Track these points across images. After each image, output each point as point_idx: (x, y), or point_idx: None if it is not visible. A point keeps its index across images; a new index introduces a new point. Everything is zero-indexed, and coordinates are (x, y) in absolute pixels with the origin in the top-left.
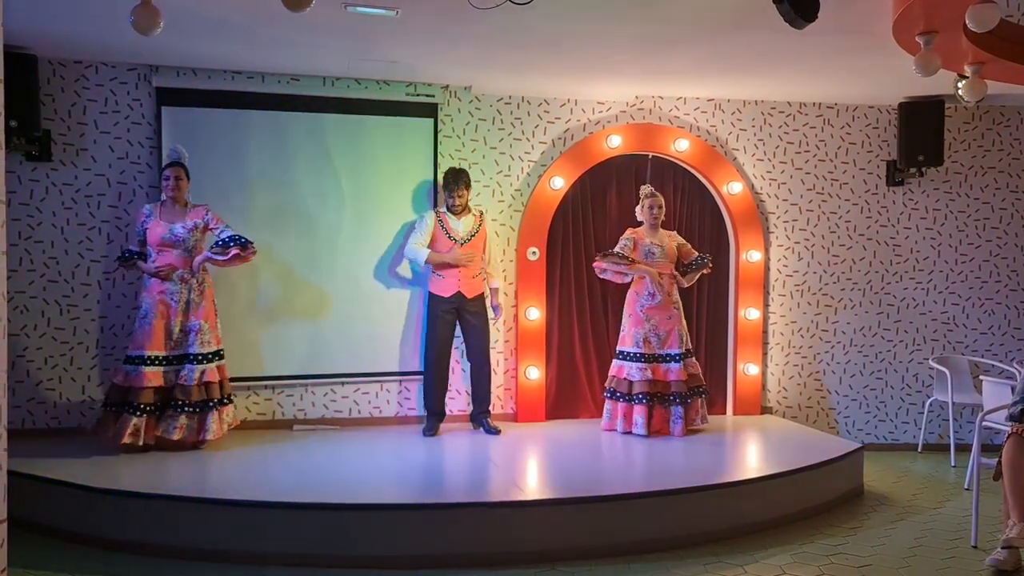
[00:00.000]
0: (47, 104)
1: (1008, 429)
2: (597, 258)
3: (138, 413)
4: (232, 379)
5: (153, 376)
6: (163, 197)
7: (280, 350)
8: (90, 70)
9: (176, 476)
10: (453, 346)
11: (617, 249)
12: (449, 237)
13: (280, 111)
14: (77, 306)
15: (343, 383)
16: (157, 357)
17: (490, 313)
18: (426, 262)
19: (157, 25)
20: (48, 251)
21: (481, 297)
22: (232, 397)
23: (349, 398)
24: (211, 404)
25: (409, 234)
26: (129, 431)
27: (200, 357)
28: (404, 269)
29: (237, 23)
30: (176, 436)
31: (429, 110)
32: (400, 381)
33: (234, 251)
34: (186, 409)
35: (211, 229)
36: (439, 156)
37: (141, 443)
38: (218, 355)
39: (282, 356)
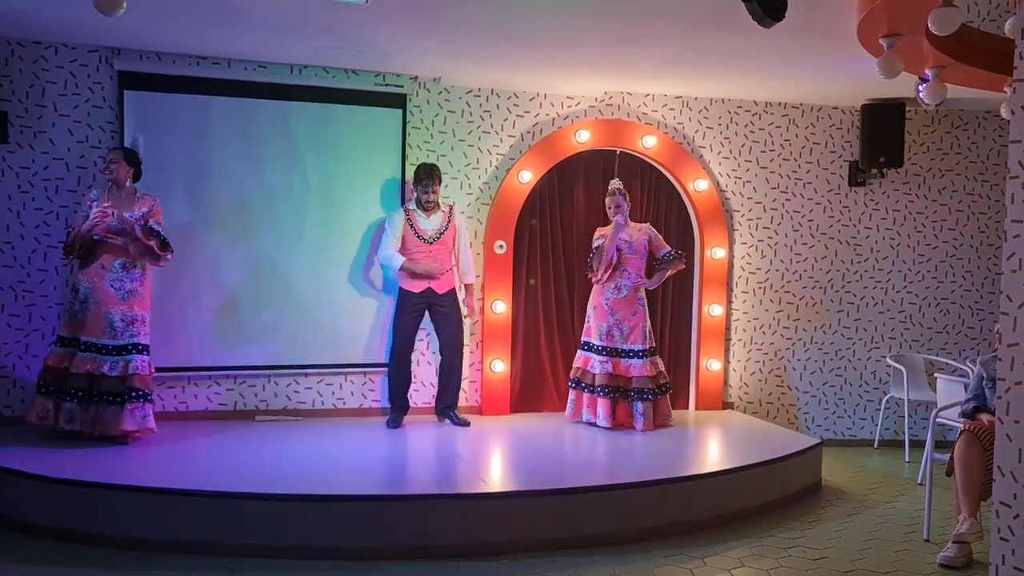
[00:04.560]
0: (4, 85)
1: (960, 426)
2: (590, 273)
3: (68, 399)
4: (193, 368)
5: (87, 363)
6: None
7: (242, 340)
8: (49, 51)
9: (135, 466)
10: (419, 339)
11: (595, 247)
12: (418, 236)
13: (246, 98)
14: (33, 292)
15: (306, 374)
16: (93, 344)
17: (463, 309)
18: (400, 269)
19: (119, 5)
20: (3, 235)
21: (453, 292)
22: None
23: (312, 389)
24: (147, 395)
25: (378, 236)
26: (64, 416)
27: (141, 347)
28: (376, 275)
29: (202, 6)
30: (151, 425)
31: (398, 100)
32: (364, 373)
33: (152, 242)
34: (142, 399)
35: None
36: (407, 147)
37: (76, 429)
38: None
39: (244, 346)
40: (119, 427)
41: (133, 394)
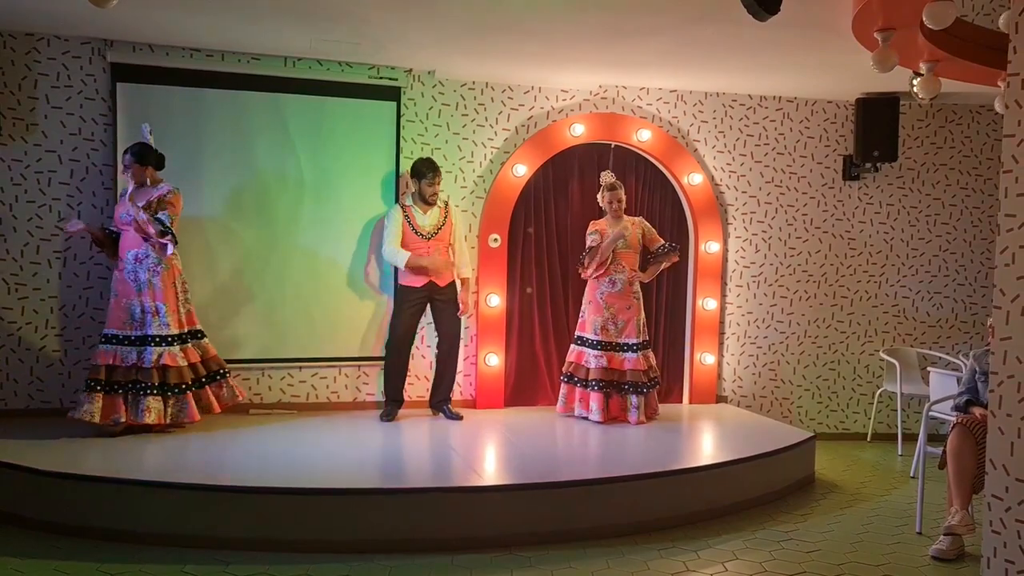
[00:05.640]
0: None
1: (953, 419)
2: (581, 268)
3: (93, 392)
4: None
5: (108, 355)
6: None
7: (237, 333)
8: (42, 43)
9: (130, 460)
10: (422, 332)
11: (589, 245)
12: (416, 233)
13: (239, 90)
14: (26, 285)
15: (301, 367)
16: (115, 336)
17: (459, 306)
18: (406, 266)
19: None
20: None
21: (453, 284)
22: (203, 380)
23: (307, 382)
24: (183, 387)
25: (376, 234)
26: (84, 410)
27: (158, 339)
28: (372, 271)
29: None
30: (145, 420)
31: (392, 93)
32: (359, 366)
33: (152, 228)
34: (152, 392)
35: (158, 207)
36: (401, 140)
37: (97, 421)
38: (180, 338)
39: (239, 339)
40: (145, 420)
41: (149, 388)
